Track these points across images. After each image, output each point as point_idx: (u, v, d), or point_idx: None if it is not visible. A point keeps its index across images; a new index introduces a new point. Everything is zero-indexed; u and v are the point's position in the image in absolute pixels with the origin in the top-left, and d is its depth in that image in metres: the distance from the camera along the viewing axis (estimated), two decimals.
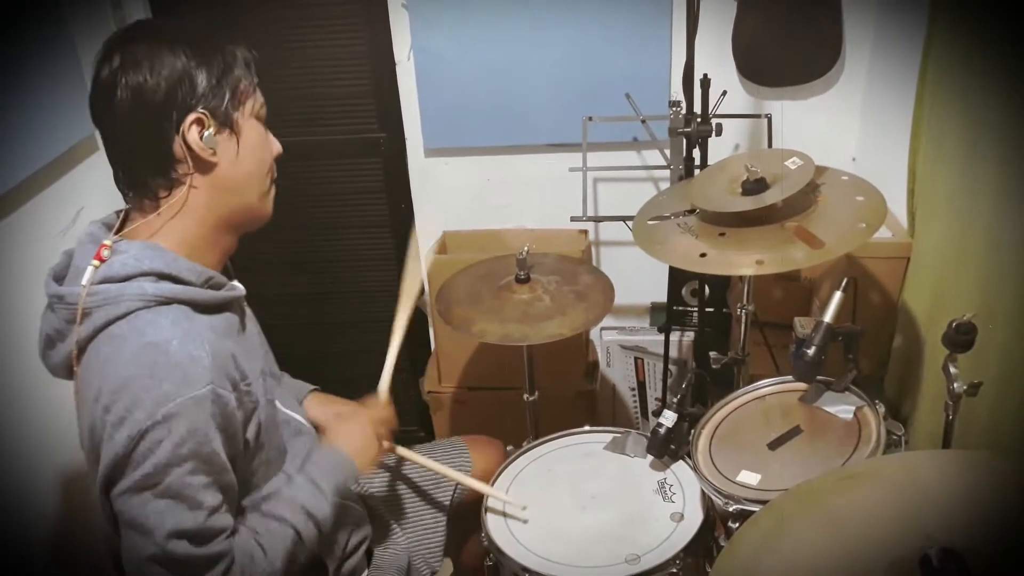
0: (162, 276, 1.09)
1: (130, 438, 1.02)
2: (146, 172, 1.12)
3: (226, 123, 1.13)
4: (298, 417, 1.33)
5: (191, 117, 1.09)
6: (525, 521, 1.46)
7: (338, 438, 1.34)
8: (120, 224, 1.17)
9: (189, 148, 1.10)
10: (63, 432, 1.16)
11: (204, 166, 1.13)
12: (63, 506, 1.76)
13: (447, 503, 1.59)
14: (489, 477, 1.56)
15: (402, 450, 1.51)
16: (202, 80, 1.10)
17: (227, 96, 1.12)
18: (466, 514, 1.60)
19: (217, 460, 1.07)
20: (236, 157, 1.15)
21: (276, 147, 1.23)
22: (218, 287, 1.16)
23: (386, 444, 1.42)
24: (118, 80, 1.07)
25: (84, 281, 1.08)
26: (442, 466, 1.55)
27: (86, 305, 1.07)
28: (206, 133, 1.11)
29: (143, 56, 1.07)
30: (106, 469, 1.04)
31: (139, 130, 1.09)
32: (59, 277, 1.15)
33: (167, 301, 1.08)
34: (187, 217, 1.14)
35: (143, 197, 1.13)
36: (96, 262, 1.09)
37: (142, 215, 1.14)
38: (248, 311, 1.29)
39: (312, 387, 1.52)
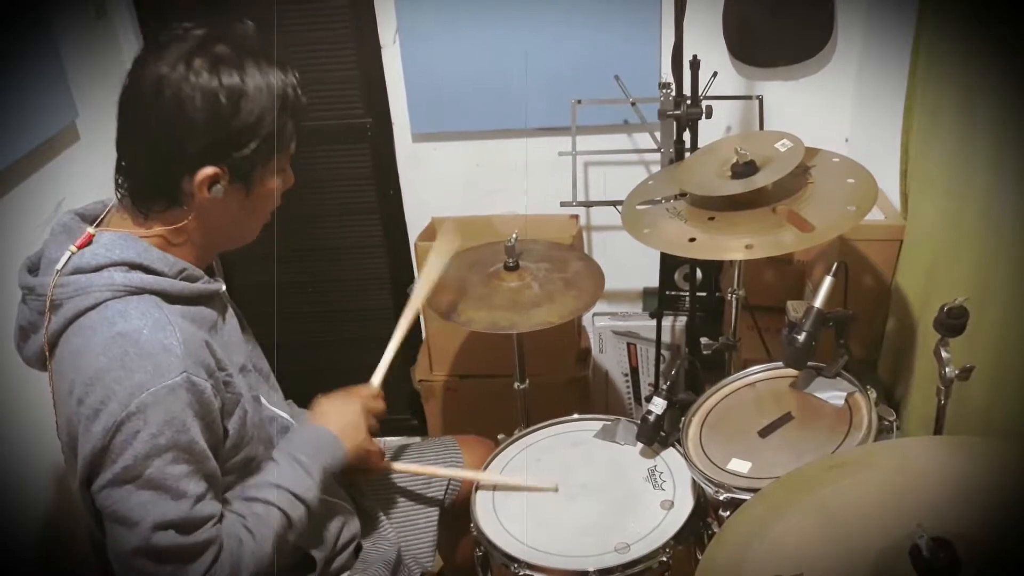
0: (133, 266, 1.07)
1: (106, 430, 1.00)
2: (146, 188, 1.10)
3: (242, 180, 1.10)
4: (284, 415, 1.32)
5: (208, 171, 1.06)
6: (555, 489, 1.47)
7: (324, 416, 1.31)
8: (102, 216, 1.15)
9: (195, 194, 1.08)
10: (48, 422, 1.15)
11: (203, 209, 1.10)
12: (51, 498, 1.74)
13: (439, 501, 1.58)
14: None
15: (397, 464, 1.52)
16: (232, 136, 1.06)
17: (253, 157, 1.08)
18: (460, 512, 1.58)
19: (197, 448, 1.06)
20: (239, 208, 1.13)
21: (288, 182, 1.19)
22: (192, 280, 1.13)
23: (385, 462, 1.44)
24: (169, 90, 1.03)
25: (57, 270, 1.06)
26: (442, 468, 1.57)
27: (55, 296, 1.06)
28: (217, 186, 1.08)
29: (189, 87, 1.03)
30: (85, 463, 1.03)
31: (154, 156, 1.07)
32: (33, 268, 1.13)
33: (137, 291, 1.06)
34: (170, 231, 1.12)
35: (133, 203, 1.11)
36: (74, 248, 1.08)
37: (127, 215, 1.12)
38: (230, 307, 1.27)
39: None
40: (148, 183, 1.09)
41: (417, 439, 2.53)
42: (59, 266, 1.07)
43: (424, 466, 1.57)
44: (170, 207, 1.10)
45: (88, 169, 1.95)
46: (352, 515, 1.41)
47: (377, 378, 1.47)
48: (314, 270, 2.56)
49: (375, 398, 1.41)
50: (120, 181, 1.11)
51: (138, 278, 1.07)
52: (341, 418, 1.31)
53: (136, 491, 1.02)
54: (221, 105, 1.04)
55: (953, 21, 1.64)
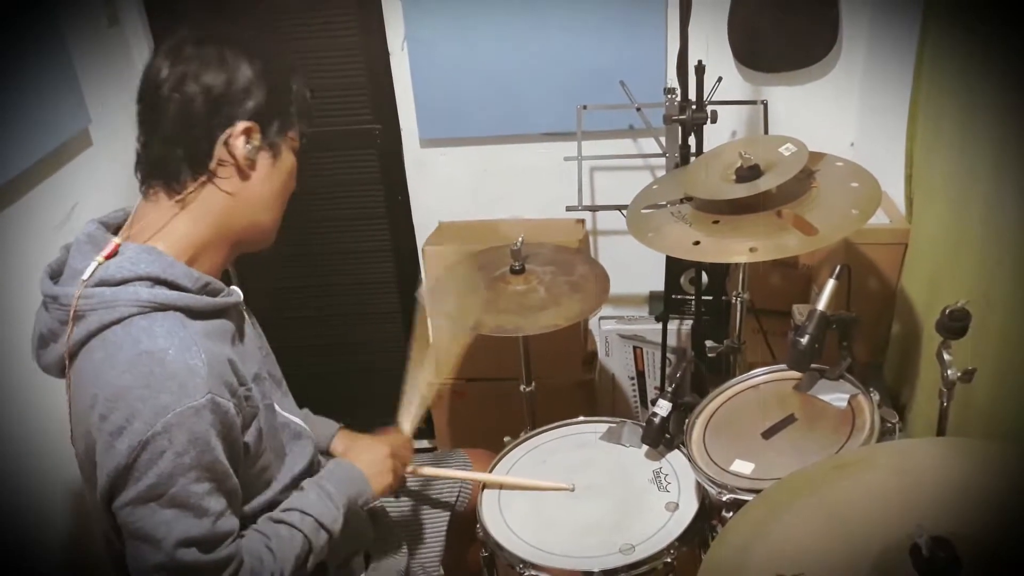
0: (158, 281, 1.08)
1: (131, 448, 1.01)
2: (182, 159, 1.11)
3: (270, 143, 1.15)
4: (297, 420, 1.33)
5: (242, 125, 1.11)
6: (573, 488, 1.49)
7: (356, 456, 1.36)
8: (125, 222, 1.16)
9: (231, 153, 1.12)
10: (62, 430, 1.16)
11: (238, 174, 1.14)
12: (64, 505, 1.76)
13: (449, 512, 1.59)
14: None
15: (425, 470, 1.54)
16: (262, 96, 1.12)
17: (278, 120, 1.15)
18: (467, 523, 1.59)
19: (219, 467, 1.07)
20: (267, 177, 1.16)
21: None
22: (214, 293, 1.15)
23: (409, 468, 1.46)
24: (186, 71, 1.09)
25: (82, 280, 1.07)
26: (467, 472, 1.59)
27: (79, 308, 1.06)
28: (250, 145, 1.13)
29: (217, 55, 1.10)
30: (107, 480, 1.04)
31: (191, 120, 1.10)
32: (55, 274, 1.14)
33: (162, 307, 1.07)
34: (198, 219, 1.13)
35: (167, 184, 1.12)
36: (101, 258, 1.09)
37: (153, 208, 1.13)
38: (247, 315, 1.28)
39: (339, 425, 1.53)
40: (181, 151, 1.11)
41: (424, 442, 2.54)
42: (84, 276, 1.07)
43: (444, 470, 1.59)
44: (200, 179, 1.12)
45: (101, 174, 1.98)
46: (367, 524, 1.42)
47: (407, 425, 1.50)
48: (322, 274, 2.57)
49: (404, 446, 1.44)
50: (145, 168, 1.13)
51: (163, 294, 1.07)
52: (371, 461, 1.35)
53: (160, 509, 1.03)
54: (250, 72, 1.12)
55: (957, 26, 1.65)
